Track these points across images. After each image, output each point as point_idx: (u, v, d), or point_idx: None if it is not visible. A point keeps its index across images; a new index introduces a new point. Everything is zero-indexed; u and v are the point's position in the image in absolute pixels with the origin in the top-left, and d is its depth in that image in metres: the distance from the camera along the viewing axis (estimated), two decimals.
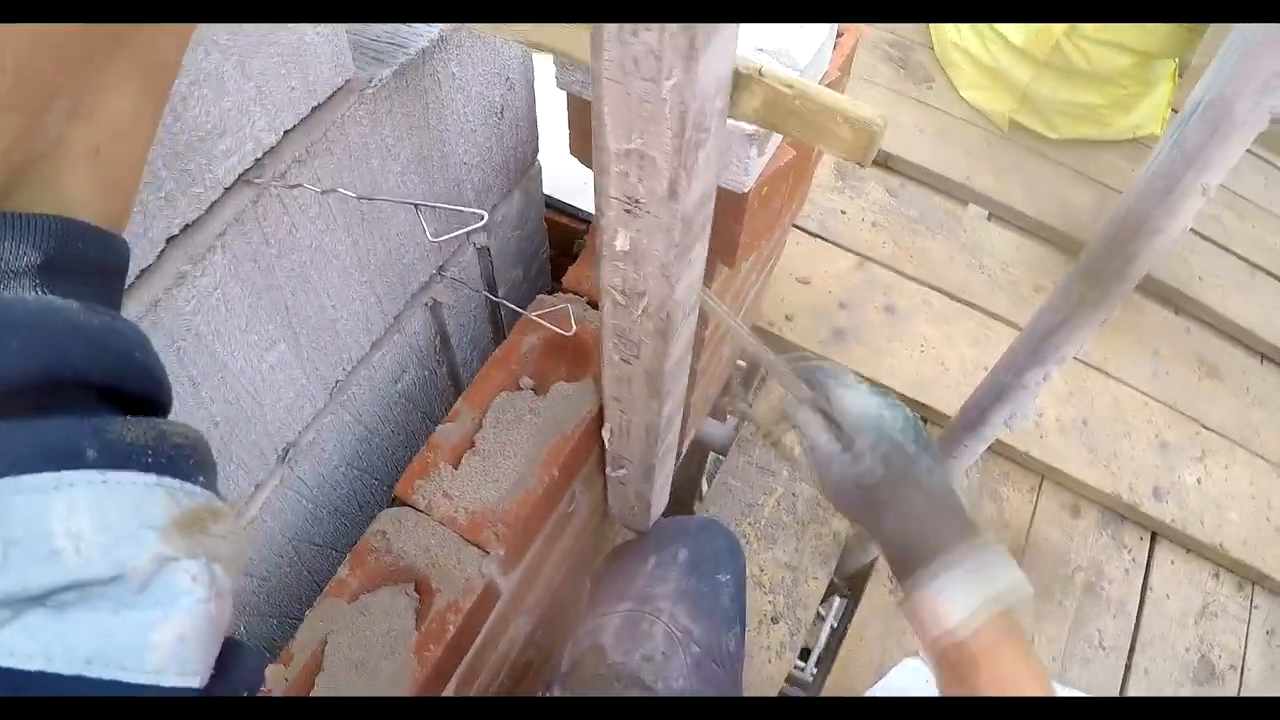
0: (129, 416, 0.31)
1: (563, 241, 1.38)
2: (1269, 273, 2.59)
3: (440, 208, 0.90)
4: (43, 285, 0.30)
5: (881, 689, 1.65)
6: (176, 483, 0.31)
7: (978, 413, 1.17)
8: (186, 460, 0.32)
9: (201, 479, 0.33)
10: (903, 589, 0.82)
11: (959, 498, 0.83)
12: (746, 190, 0.90)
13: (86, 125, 0.33)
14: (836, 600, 2.25)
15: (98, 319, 0.32)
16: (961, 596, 0.76)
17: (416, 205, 0.77)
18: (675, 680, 1.05)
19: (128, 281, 0.63)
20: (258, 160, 0.73)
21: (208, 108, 0.65)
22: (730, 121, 0.77)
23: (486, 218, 0.82)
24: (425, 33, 0.86)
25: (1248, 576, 2.04)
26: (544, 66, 0.92)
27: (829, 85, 0.99)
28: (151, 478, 0.30)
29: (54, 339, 0.29)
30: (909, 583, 0.80)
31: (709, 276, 1.11)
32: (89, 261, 0.33)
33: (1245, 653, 1.94)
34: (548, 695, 1.10)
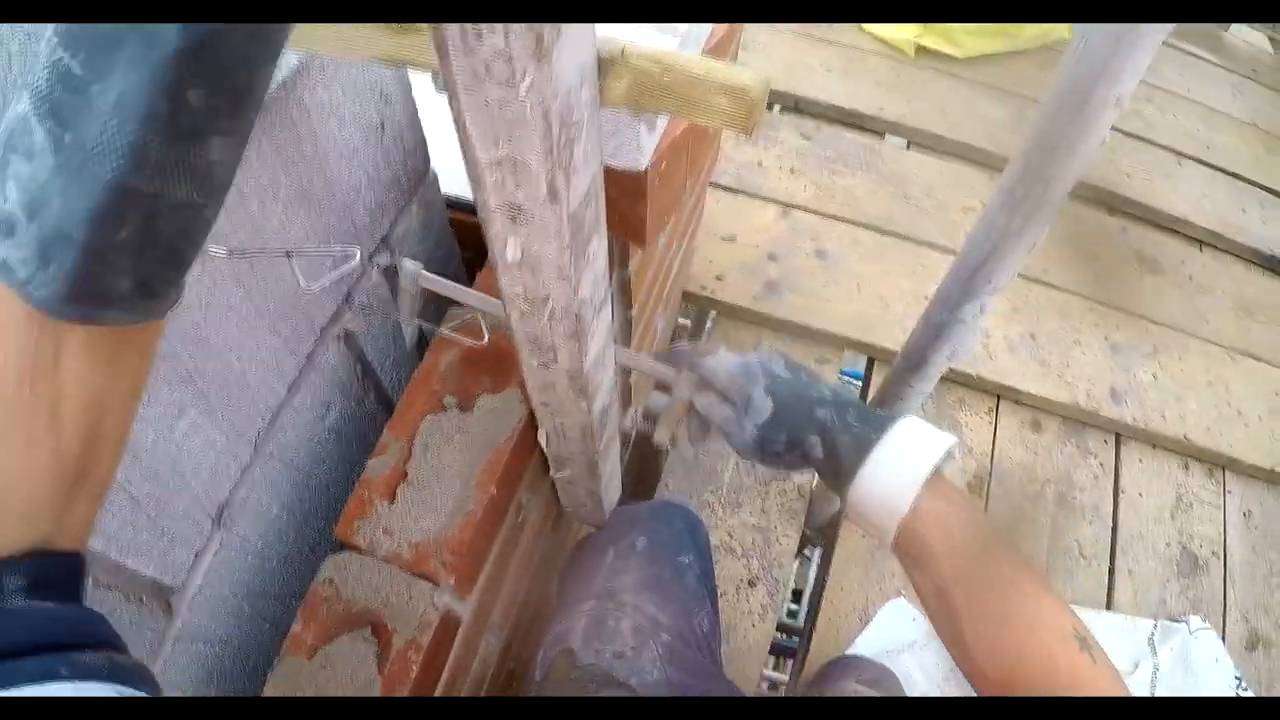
0: (89, 650, 0.44)
1: (476, 241, 1.33)
2: (1195, 159, 2.60)
3: (309, 255, 0.85)
4: (30, 596, 0.43)
5: (870, 635, 1.65)
6: (126, 688, 0.43)
7: (919, 353, 1.15)
8: (132, 675, 0.45)
9: (146, 687, 0.45)
10: (844, 500, 0.83)
11: (849, 394, 0.85)
12: (644, 168, 0.87)
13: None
14: (818, 550, 2.24)
15: (66, 611, 0.45)
16: (890, 480, 0.77)
17: (288, 254, 0.73)
18: (650, 672, 1.03)
19: None
20: None
21: None
22: None
23: (358, 256, 0.78)
24: (283, 62, 0.82)
25: (1216, 463, 2.05)
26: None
27: (717, 43, 0.96)
28: (108, 685, 0.43)
29: (43, 624, 0.43)
30: (843, 485, 0.81)
31: (624, 259, 1.09)
32: (58, 576, 0.46)
33: (1225, 538, 1.95)
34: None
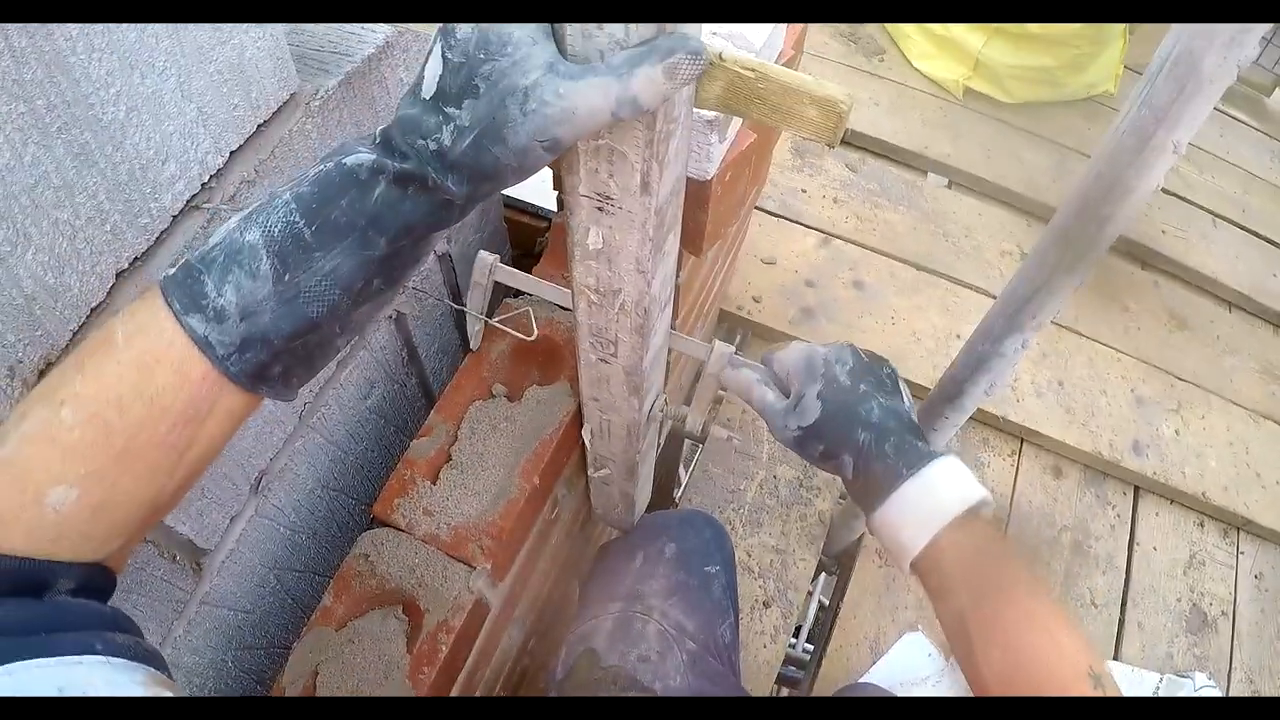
0: (121, 635, 0.50)
1: (524, 241, 1.35)
2: (1230, 221, 2.60)
3: None
4: (74, 596, 0.50)
5: (884, 666, 1.65)
6: (150, 669, 0.49)
7: (955, 385, 1.15)
8: (155, 658, 0.51)
9: (165, 671, 0.51)
10: (868, 521, 0.82)
11: (908, 419, 0.83)
12: (710, 178, 0.88)
13: None
14: (823, 576, 2.24)
15: (102, 607, 0.52)
16: (913, 518, 0.77)
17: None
18: (673, 678, 1.04)
19: (80, 321, 0.63)
20: (204, 184, 0.70)
21: (148, 134, 0.62)
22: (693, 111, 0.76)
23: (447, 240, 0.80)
24: (370, 39, 0.83)
25: (1232, 523, 2.04)
26: None
27: (785, 64, 0.98)
28: (134, 664, 0.48)
29: (83, 614, 0.49)
30: (869, 510, 0.81)
31: (677, 267, 1.10)
32: (99, 586, 0.52)
33: (1235, 598, 1.95)
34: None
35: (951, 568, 0.75)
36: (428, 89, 0.50)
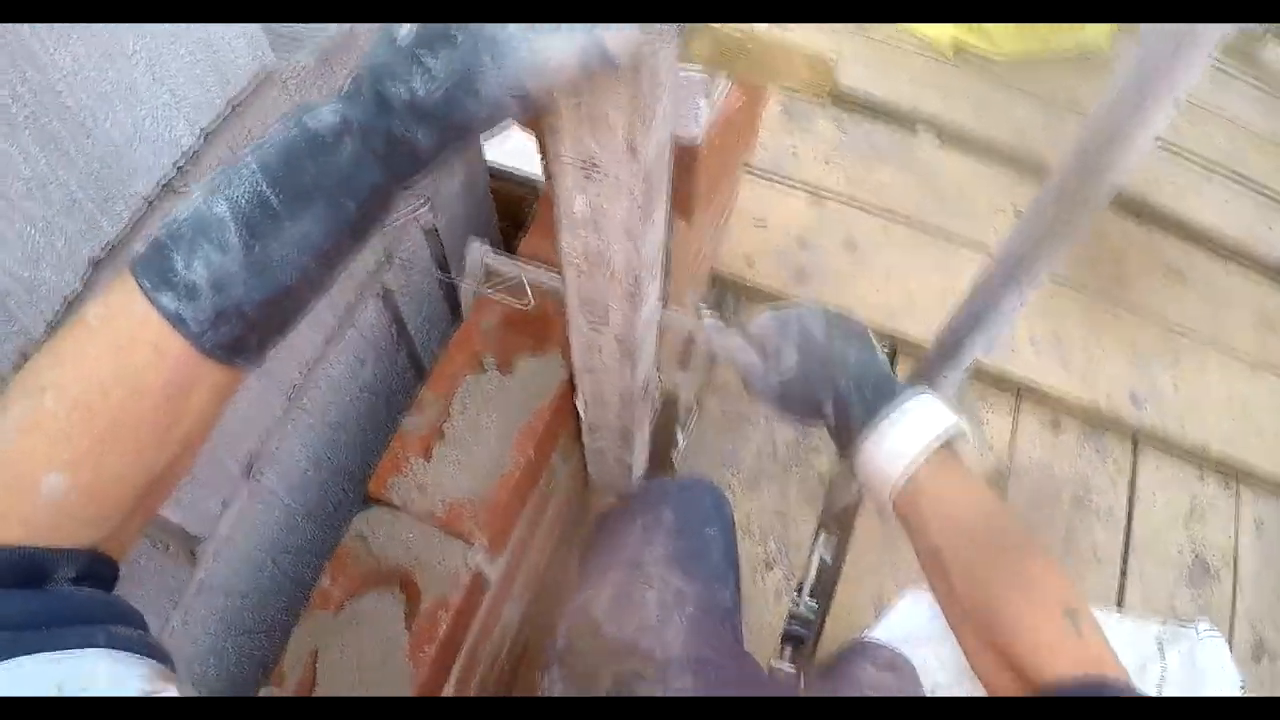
0: (124, 628, 0.49)
1: (512, 211, 1.33)
2: (1225, 173, 2.59)
3: None
4: (76, 585, 0.49)
5: (888, 623, 1.65)
6: (153, 662, 0.49)
7: (953, 342, 1.14)
8: (158, 651, 0.50)
9: (169, 664, 0.50)
10: (846, 460, 0.84)
11: (882, 368, 0.85)
12: (698, 140, 0.86)
13: None
14: (823, 535, 2.24)
15: (105, 596, 0.51)
16: (892, 449, 0.78)
17: None
18: (674, 646, 1.03)
19: (55, 311, 0.62)
20: (180, 167, 0.69)
21: (119, 120, 0.61)
22: (679, 72, 0.74)
23: (430, 202, 0.78)
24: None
25: (1231, 474, 2.05)
26: None
27: None
28: (136, 657, 0.48)
29: (86, 604, 0.49)
30: (850, 452, 0.82)
31: (667, 232, 1.08)
32: (101, 575, 0.52)
33: (1237, 548, 1.95)
34: (545, 675, 1.08)
35: (929, 504, 0.76)
36: (405, 35, 0.49)
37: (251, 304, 0.51)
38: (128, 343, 0.49)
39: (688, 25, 0.56)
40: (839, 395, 0.83)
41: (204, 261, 0.49)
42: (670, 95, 0.57)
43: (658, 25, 0.47)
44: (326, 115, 0.51)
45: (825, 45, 0.57)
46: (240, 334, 0.52)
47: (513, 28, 0.47)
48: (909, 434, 0.78)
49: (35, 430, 0.48)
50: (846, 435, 0.83)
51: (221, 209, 0.50)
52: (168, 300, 0.49)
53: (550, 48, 0.47)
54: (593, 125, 0.55)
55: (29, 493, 0.47)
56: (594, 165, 0.58)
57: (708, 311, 0.97)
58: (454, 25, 0.48)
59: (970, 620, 0.73)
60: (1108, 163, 0.85)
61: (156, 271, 0.49)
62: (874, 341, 0.88)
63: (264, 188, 0.50)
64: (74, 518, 0.49)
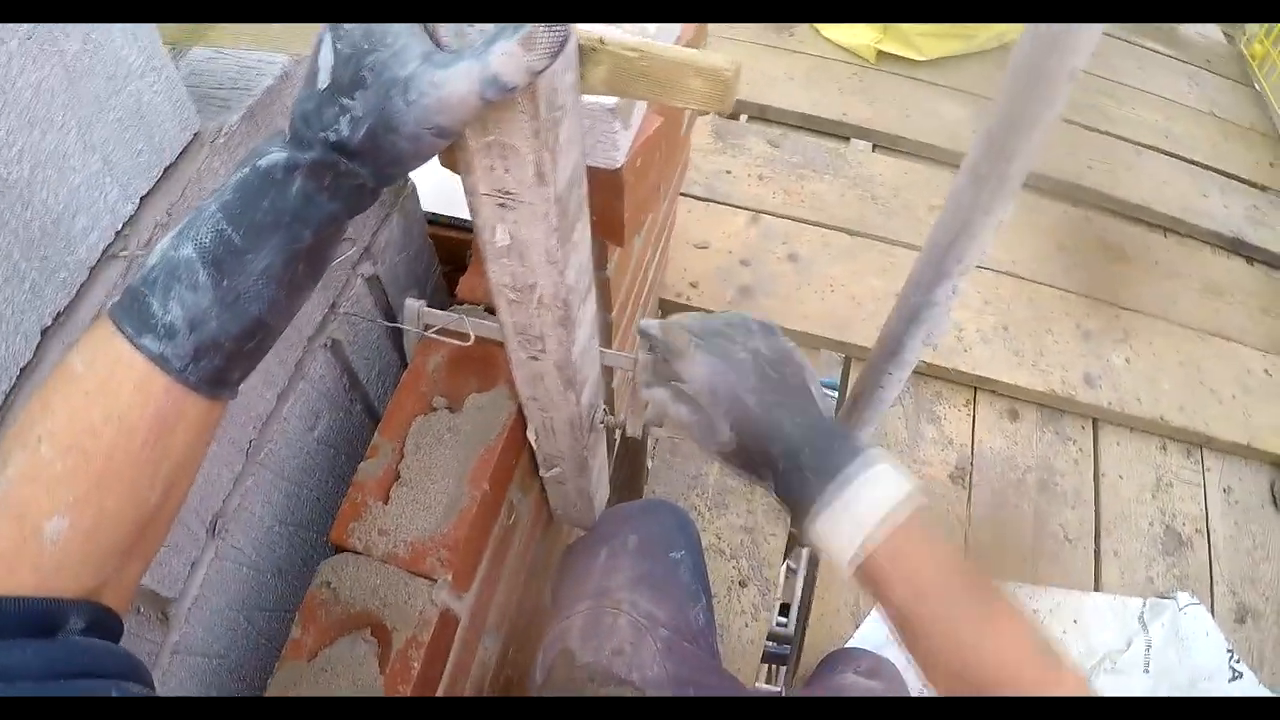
0: (134, 684, 0.52)
1: (454, 256, 1.35)
2: (1155, 149, 2.64)
3: None
4: (87, 635, 0.51)
5: (868, 628, 1.66)
6: None
7: (894, 340, 1.16)
8: None
9: None
10: (803, 536, 0.78)
11: (824, 424, 0.78)
12: (619, 165, 0.88)
13: None
14: (805, 552, 2.26)
15: (116, 649, 0.53)
16: (844, 531, 0.72)
17: None
18: (649, 668, 1.04)
19: (11, 382, 0.63)
20: (119, 232, 0.70)
21: (54, 189, 0.62)
22: (590, 99, 0.76)
23: (355, 245, 0.80)
24: (268, 69, 0.83)
25: (1194, 441, 2.08)
26: None
27: (686, 45, 0.98)
28: None
29: (99, 656, 0.51)
30: (800, 527, 0.77)
31: (602, 260, 1.10)
32: (110, 625, 0.53)
33: (1207, 515, 1.98)
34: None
35: (888, 569, 0.72)
36: (323, 79, 0.52)
37: (227, 336, 0.54)
38: (114, 385, 0.52)
39: (583, 51, 0.58)
40: (778, 473, 0.77)
41: (178, 302, 0.53)
42: (574, 120, 0.59)
43: (544, 43, 0.48)
44: (276, 155, 0.54)
45: (721, 59, 0.59)
46: (219, 365, 0.55)
47: (411, 67, 0.49)
48: (858, 509, 0.72)
49: (34, 480, 0.50)
50: (795, 511, 0.77)
51: (188, 250, 0.53)
52: (150, 342, 0.52)
53: (450, 80, 0.48)
54: (503, 156, 0.57)
55: (34, 538, 0.49)
56: (508, 194, 0.60)
57: (643, 353, 0.88)
58: (365, 67, 0.50)
59: (945, 681, 0.71)
60: (1015, 146, 0.87)
61: (136, 317, 0.52)
62: (811, 387, 0.82)
63: (225, 226, 0.53)
64: (76, 560, 0.51)
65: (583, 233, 0.69)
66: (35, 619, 0.49)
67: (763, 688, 2.17)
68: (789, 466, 0.76)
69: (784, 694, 1.21)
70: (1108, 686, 1.63)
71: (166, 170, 0.73)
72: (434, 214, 1.32)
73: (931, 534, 0.74)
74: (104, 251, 0.69)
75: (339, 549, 0.93)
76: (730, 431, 0.78)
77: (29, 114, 0.59)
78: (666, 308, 2.08)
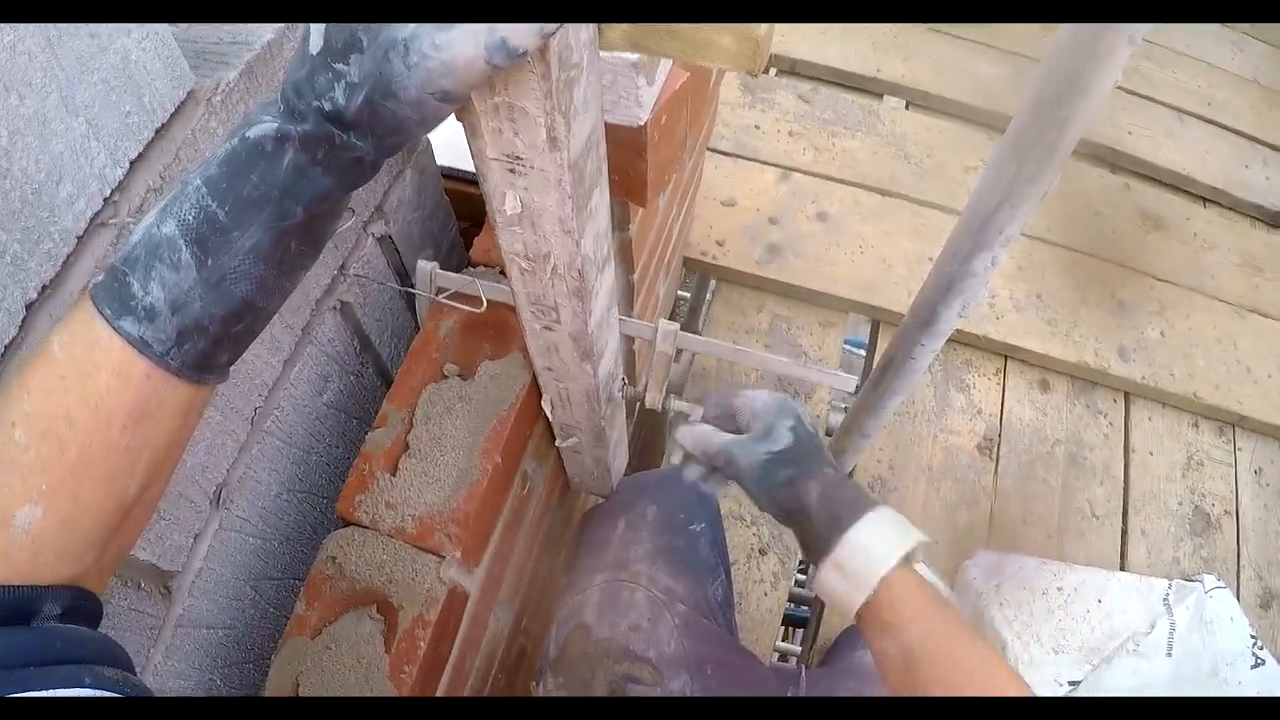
0: (110, 669, 0.49)
1: (472, 211, 1.31)
2: (1197, 116, 2.57)
3: None
4: (63, 622, 0.49)
5: None
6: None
7: (928, 309, 1.12)
8: (142, 692, 0.50)
9: None
10: (816, 566, 0.82)
11: (846, 495, 0.84)
12: (643, 123, 0.84)
13: None
14: None
15: (91, 634, 0.51)
16: (872, 555, 0.77)
17: None
18: (666, 644, 1.02)
19: None
20: (107, 199, 0.66)
21: (35, 156, 0.58)
22: (613, 54, 0.72)
23: (355, 217, 0.76)
24: (267, 27, 0.79)
25: (1226, 420, 2.03)
26: None
27: None
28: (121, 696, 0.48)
29: (72, 643, 0.49)
30: (832, 547, 0.80)
31: (624, 220, 1.06)
32: (87, 609, 0.52)
33: (1237, 496, 1.93)
34: (540, 684, 1.06)
35: (900, 604, 0.76)
36: (315, 43, 0.47)
37: (211, 319, 0.52)
38: (92, 369, 0.50)
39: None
40: (827, 480, 0.84)
41: (159, 282, 0.50)
42: (591, 81, 0.55)
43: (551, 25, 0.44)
44: (266, 126, 0.50)
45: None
46: (205, 349, 0.53)
47: (412, 27, 0.44)
48: (884, 543, 0.78)
49: (7, 466, 0.48)
50: (827, 524, 0.81)
51: (170, 228, 0.50)
52: (129, 325, 0.50)
53: (454, 44, 0.44)
54: (512, 119, 0.52)
55: (5, 526, 0.47)
56: (518, 159, 0.56)
57: (680, 403, 0.99)
58: (359, 28, 0.45)
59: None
60: (1066, 113, 0.83)
61: (116, 298, 0.50)
62: (827, 459, 0.88)
63: (210, 202, 0.50)
64: (51, 550, 0.49)
65: (600, 199, 0.65)
66: (7, 607, 0.47)
67: (781, 647, 2.13)
68: (838, 479, 0.84)
69: (801, 672, 1.19)
70: (1130, 668, 1.60)
71: (158, 132, 0.69)
72: (450, 168, 1.28)
73: (931, 586, 0.80)
74: (92, 219, 0.65)
75: (346, 522, 0.90)
76: (790, 434, 0.88)
77: (4, 78, 0.55)
78: (692, 266, 2.04)
